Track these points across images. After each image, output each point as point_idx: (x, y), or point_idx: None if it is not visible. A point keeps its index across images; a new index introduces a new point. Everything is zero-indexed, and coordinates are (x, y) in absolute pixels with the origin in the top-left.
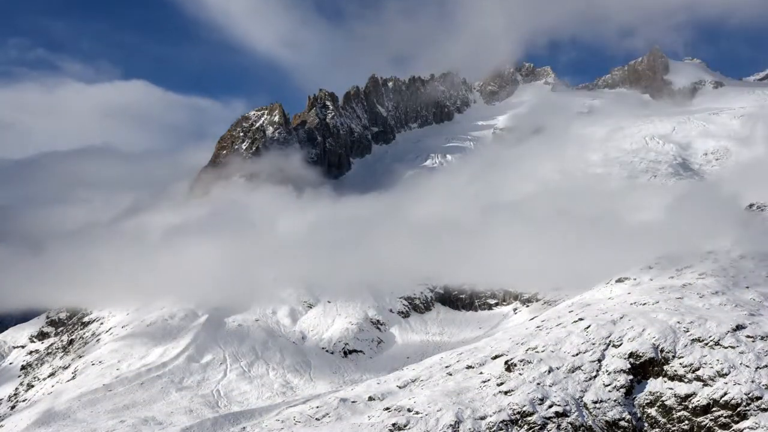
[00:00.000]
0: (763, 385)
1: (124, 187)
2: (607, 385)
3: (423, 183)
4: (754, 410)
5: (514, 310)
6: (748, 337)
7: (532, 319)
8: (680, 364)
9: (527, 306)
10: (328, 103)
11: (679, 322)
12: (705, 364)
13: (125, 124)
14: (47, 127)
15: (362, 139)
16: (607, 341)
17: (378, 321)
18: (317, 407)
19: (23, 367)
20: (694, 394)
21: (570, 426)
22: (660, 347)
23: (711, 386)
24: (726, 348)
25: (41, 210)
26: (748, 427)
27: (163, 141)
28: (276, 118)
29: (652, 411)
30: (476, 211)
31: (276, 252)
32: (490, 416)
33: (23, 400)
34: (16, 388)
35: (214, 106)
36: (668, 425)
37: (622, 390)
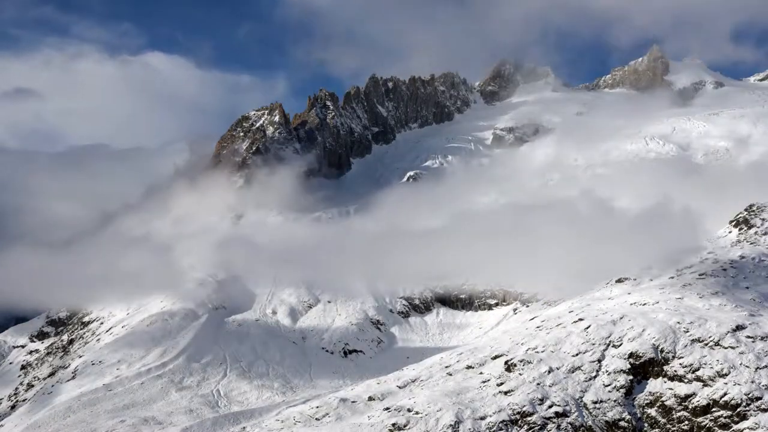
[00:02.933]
0: (763, 386)
1: (125, 184)
2: (607, 386)
3: (424, 184)
4: (754, 410)
5: (514, 310)
6: (748, 337)
7: (532, 319)
8: (680, 364)
9: (527, 306)
10: (328, 103)
11: (679, 323)
12: (705, 364)
13: (150, 108)
14: (56, 112)
15: (362, 139)
16: (607, 341)
17: (378, 321)
18: (317, 407)
19: (23, 367)
20: (694, 394)
21: (570, 426)
22: (660, 347)
23: (711, 386)
24: (726, 348)
25: (40, 208)
26: (748, 428)
27: (192, 127)
28: (276, 118)
29: (652, 411)
30: (476, 212)
31: (277, 252)
32: (490, 416)
33: (23, 400)
34: (16, 388)
35: (252, 82)
36: (668, 425)
37: (622, 390)
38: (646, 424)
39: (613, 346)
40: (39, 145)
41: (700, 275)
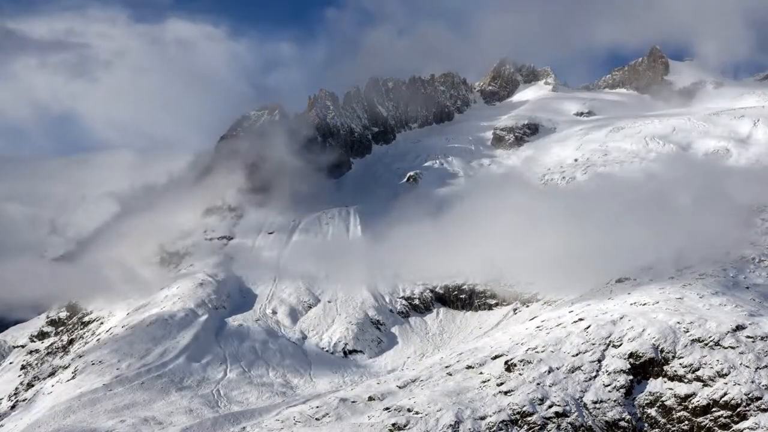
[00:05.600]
0: (763, 386)
1: (125, 183)
2: (606, 386)
3: (424, 184)
4: (754, 410)
5: (514, 310)
6: (748, 337)
7: (532, 319)
8: (680, 364)
9: (527, 306)
10: (328, 103)
11: (679, 323)
12: (705, 364)
13: (170, 93)
14: (73, 96)
15: (362, 139)
16: (607, 341)
17: (378, 321)
18: (317, 407)
19: (23, 367)
20: (694, 394)
21: (570, 426)
22: (660, 347)
23: (711, 386)
24: (726, 348)
25: (40, 209)
26: (748, 428)
27: (219, 113)
28: (276, 119)
29: (652, 411)
30: (476, 212)
31: (277, 252)
32: (490, 416)
33: (23, 400)
34: (16, 388)
35: (291, 51)
36: (668, 425)
37: (622, 390)
38: (646, 424)
39: (613, 346)
40: (53, 135)
41: (700, 275)
